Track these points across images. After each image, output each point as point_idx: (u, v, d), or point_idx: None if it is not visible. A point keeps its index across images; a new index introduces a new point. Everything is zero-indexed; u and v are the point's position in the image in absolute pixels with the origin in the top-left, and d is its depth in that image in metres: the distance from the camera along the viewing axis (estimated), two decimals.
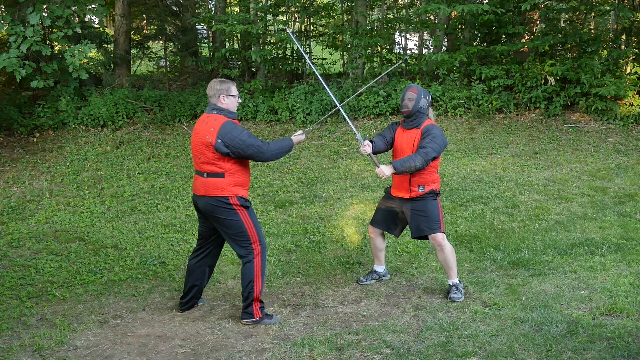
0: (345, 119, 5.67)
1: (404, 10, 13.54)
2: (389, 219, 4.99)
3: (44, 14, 8.24)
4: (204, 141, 4.20)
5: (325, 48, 12.90)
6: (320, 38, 13.13)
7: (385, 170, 4.52)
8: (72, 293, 5.13)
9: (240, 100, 4.51)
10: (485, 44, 12.09)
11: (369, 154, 4.65)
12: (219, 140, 4.15)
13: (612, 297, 4.58)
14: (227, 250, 6.13)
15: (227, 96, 4.30)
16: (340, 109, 4.85)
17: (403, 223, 4.99)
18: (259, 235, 4.36)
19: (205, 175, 4.27)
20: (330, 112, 5.83)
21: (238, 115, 10.56)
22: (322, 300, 4.84)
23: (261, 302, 4.40)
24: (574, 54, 11.38)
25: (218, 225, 4.37)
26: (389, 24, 12.40)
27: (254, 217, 4.38)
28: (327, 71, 12.30)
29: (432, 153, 4.55)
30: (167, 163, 9.12)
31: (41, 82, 8.53)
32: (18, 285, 5.29)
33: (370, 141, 4.71)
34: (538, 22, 13.00)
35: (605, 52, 11.36)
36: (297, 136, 4.57)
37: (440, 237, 4.72)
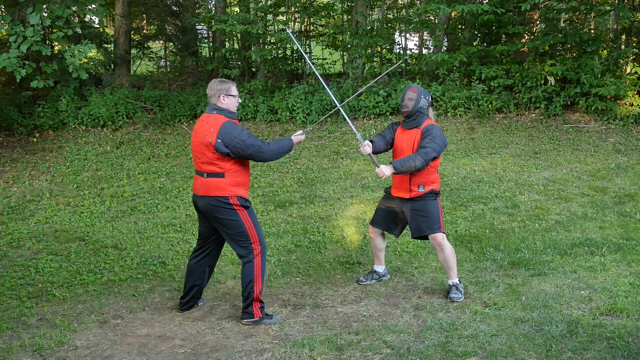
0: (345, 119, 5.67)
1: (404, 10, 13.55)
2: (389, 219, 4.99)
3: (44, 14, 8.23)
4: (204, 141, 4.20)
5: (325, 48, 12.89)
6: (320, 38, 13.13)
7: (385, 170, 4.52)
8: (72, 293, 5.13)
9: (240, 100, 4.51)
10: (485, 44, 12.09)
11: (369, 154, 4.66)
12: (219, 140, 4.15)
13: (612, 297, 4.58)
14: (227, 250, 6.13)
15: (227, 96, 4.30)
16: (340, 109, 4.85)
17: (403, 223, 5.00)
18: (259, 235, 4.36)
19: (205, 175, 4.28)
20: (330, 112, 5.83)
21: (238, 115, 10.55)
22: (322, 300, 4.84)
23: (261, 302, 4.40)
24: (574, 54, 11.38)
25: (218, 225, 4.37)
26: (389, 24, 12.40)
27: (254, 217, 4.38)
28: (327, 71, 12.30)
29: (432, 153, 4.55)
30: (167, 163, 9.12)
31: (41, 82, 8.52)
32: (18, 285, 5.30)
33: (370, 141, 4.71)
34: (538, 22, 13.00)
35: (605, 52, 11.36)
36: (297, 136, 4.58)
37: (440, 237, 4.72)
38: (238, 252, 4.38)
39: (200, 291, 4.73)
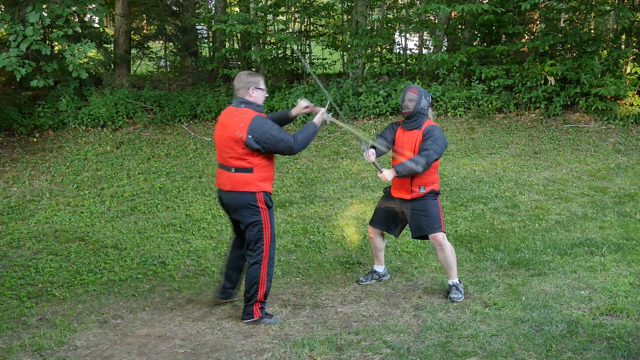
0: (351, 131, 5.60)
1: (404, 10, 13.54)
2: (388, 219, 4.99)
3: (43, 13, 8.23)
4: (234, 136, 4.15)
5: (325, 48, 12.89)
6: (320, 38, 13.12)
7: (388, 175, 4.57)
8: (72, 293, 5.13)
9: (267, 95, 4.47)
10: (485, 44, 12.08)
11: (373, 162, 4.63)
12: (250, 136, 4.11)
13: (612, 297, 4.58)
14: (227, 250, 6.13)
15: (256, 89, 4.27)
16: (356, 133, 4.78)
17: (403, 223, 5.00)
18: (272, 239, 4.37)
19: (233, 170, 4.24)
20: (344, 126, 5.49)
21: None
22: (322, 300, 4.84)
23: (262, 302, 4.41)
24: (574, 54, 11.38)
25: (239, 220, 4.36)
26: (389, 24, 12.39)
27: (273, 220, 4.39)
28: (327, 71, 12.30)
29: (434, 155, 4.57)
30: (167, 163, 9.12)
31: (41, 82, 8.51)
32: (18, 285, 5.29)
33: (373, 147, 4.69)
34: (538, 22, 13.00)
35: (605, 52, 11.36)
36: (318, 117, 4.45)
37: (440, 236, 4.72)
38: (248, 251, 4.37)
39: (235, 279, 4.69)
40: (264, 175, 4.27)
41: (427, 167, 4.58)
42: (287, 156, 5.81)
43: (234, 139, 4.16)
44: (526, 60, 10.87)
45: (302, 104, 4.50)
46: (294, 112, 4.54)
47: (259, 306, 4.39)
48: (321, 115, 4.47)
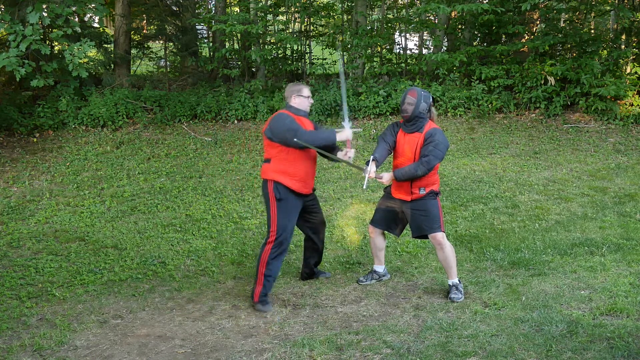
0: (352, 166, 5.75)
1: (404, 10, 13.54)
2: (389, 219, 4.99)
3: (43, 13, 8.22)
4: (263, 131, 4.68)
5: (325, 48, 12.89)
6: (320, 38, 13.13)
7: (386, 179, 4.61)
8: (72, 293, 5.13)
9: (312, 101, 4.83)
10: (485, 44, 12.09)
11: (375, 178, 4.64)
12: (268, 127, 4.58)
13: (612, 297, 4.58)
14: (227, 250, 6.14)
15: (298, 96, 4.72)
16: (354, 165, 4.85)
17: (403, 222, 5.00)
18: (279, 227, 4.58)
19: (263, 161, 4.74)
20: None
21: (239, 114, 10.59)
22: (322, 300, 4.84)
23: (264, 286, 4.59)
24: (574, 54, 11.38)
25: None
26: (389, 24, 12.39)
27: (284, 211, 4.60)
28: (327, 71, 12.30)
29: (435, 161, 4.57)
30: (167, 163, 9.12)
31: (41, 81, 8.50)
32: (18, 285, 5.29)
33: (374, 158, 4.62)
34: (538, 22, 13.00)
35: (605, 52, 11.36)
36: (342, 133, 4.65)
37: (440, 236, 4.72)
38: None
39: (313, 264, 5.21)
40: (281, 168, 4.58)
41: (428, 172, 4.58)
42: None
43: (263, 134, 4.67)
44: (526, 60, 10.87)
45: (348, 133, 4.70)
46: (338, 136, 4.71)
47: (260, 290, 4.58)
48: (347, 132, 4.66)
